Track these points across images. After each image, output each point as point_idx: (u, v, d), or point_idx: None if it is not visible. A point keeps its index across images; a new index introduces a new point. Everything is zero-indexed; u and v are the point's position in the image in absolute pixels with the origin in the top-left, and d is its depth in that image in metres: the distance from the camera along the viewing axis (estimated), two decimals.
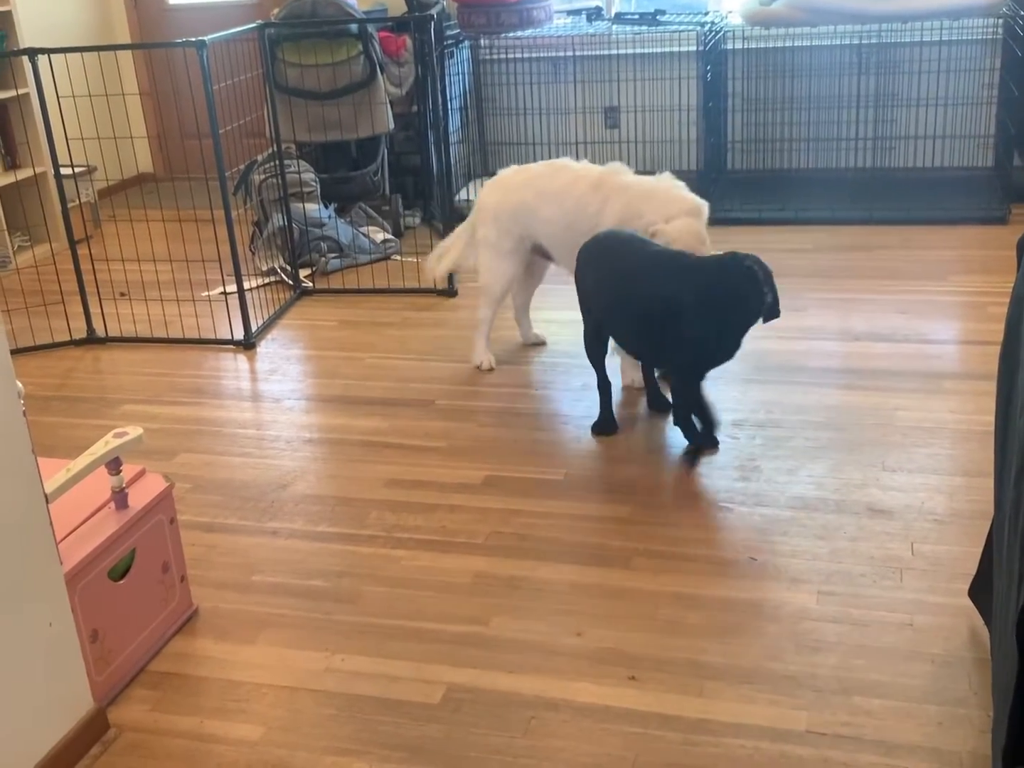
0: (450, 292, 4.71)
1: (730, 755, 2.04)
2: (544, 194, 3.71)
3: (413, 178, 5.98)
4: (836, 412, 3.38)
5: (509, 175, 3.87)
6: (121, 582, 2.36)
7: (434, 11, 5.45)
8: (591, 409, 3.49)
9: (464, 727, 2.16)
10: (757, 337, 3.75)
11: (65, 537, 2.26)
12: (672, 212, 3.41)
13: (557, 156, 5.90)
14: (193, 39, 3.86)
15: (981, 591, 2.31)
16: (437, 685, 2.29)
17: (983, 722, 2.04)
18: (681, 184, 3.54)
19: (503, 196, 3.81)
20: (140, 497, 2.43)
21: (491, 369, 3.91)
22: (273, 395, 3.89)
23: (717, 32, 5.51)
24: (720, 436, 3.25)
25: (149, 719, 2.27)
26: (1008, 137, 5.26)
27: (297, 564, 2.78)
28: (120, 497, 2.38)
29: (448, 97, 5.64)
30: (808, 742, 2.06)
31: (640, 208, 3.46)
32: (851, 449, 3.15)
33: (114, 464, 2.35)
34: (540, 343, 4.13)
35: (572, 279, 3.43)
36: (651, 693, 2.22)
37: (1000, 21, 5.17)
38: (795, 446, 3.20)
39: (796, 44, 5.53)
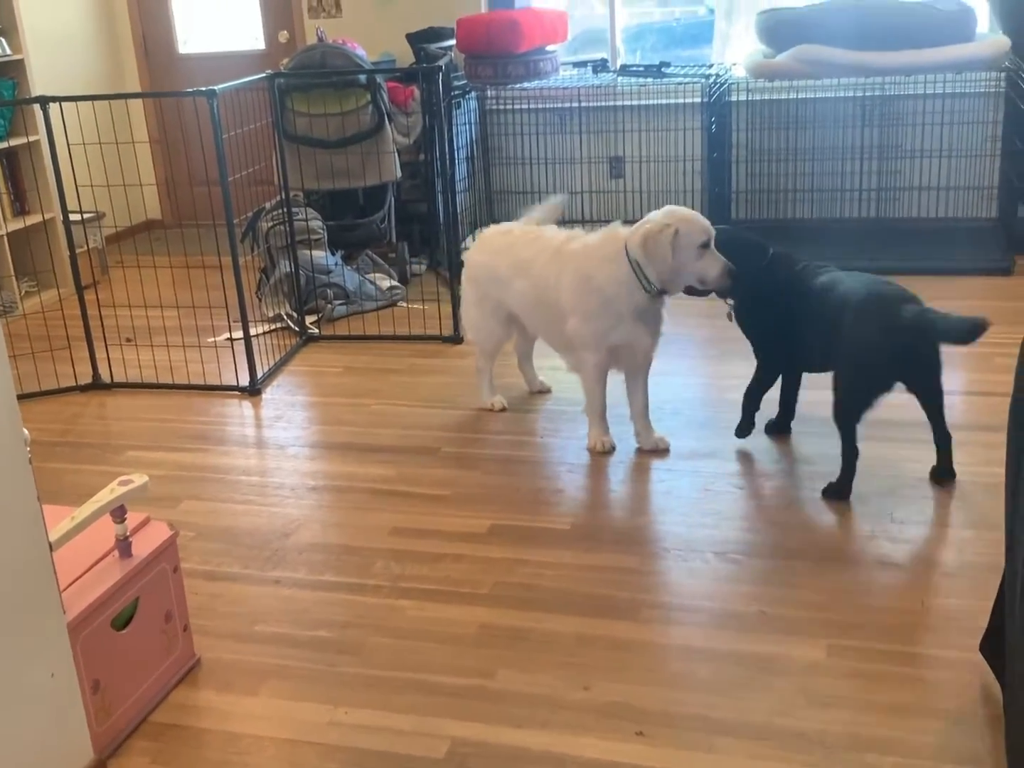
0: (456, 339, 4.71)
1: None
2: (517, 265, 3.62)
3: (419, 226, 6.01)
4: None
5: (494, 235, 3.79)
6: (124, 632, 2.34)
7: (442, 62, 5.51)
8: (595, 457, 3.48)
9: None
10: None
11: (68, 586, 2.24)
12: (608, 251, 3.35)
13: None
14: (204, 88, 3.90)
15: (992, 647, 2.28)
16: (442, 739, 2.25)
17: None
18: (614, 230, 3.45)
19: (485, 258, 3.75)
20: (144, 545, 2.42)
21: (503, 409, 3.91)
22: (278, 442, 3.88)
23: (722, 84, 5.56)
24: (727, 485, 3.24)
25: None
26: (1012, 189, 5.29)
27: (301, 614, 2.76)
28: (124, 545, 2.37)
29: (455, 146, 5.69)
30: None
31: (588, 270, 3.37)
32: (859, 500, 3.13)
33: (119, 512, 2.33)
34: (545, 391, 4.10)
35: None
36: (659, 749, 2.19)
37: (1002, 75, 5.21)
38: (803, 497, 3.18)
39: (800, 96, 5.59)
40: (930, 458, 3.34)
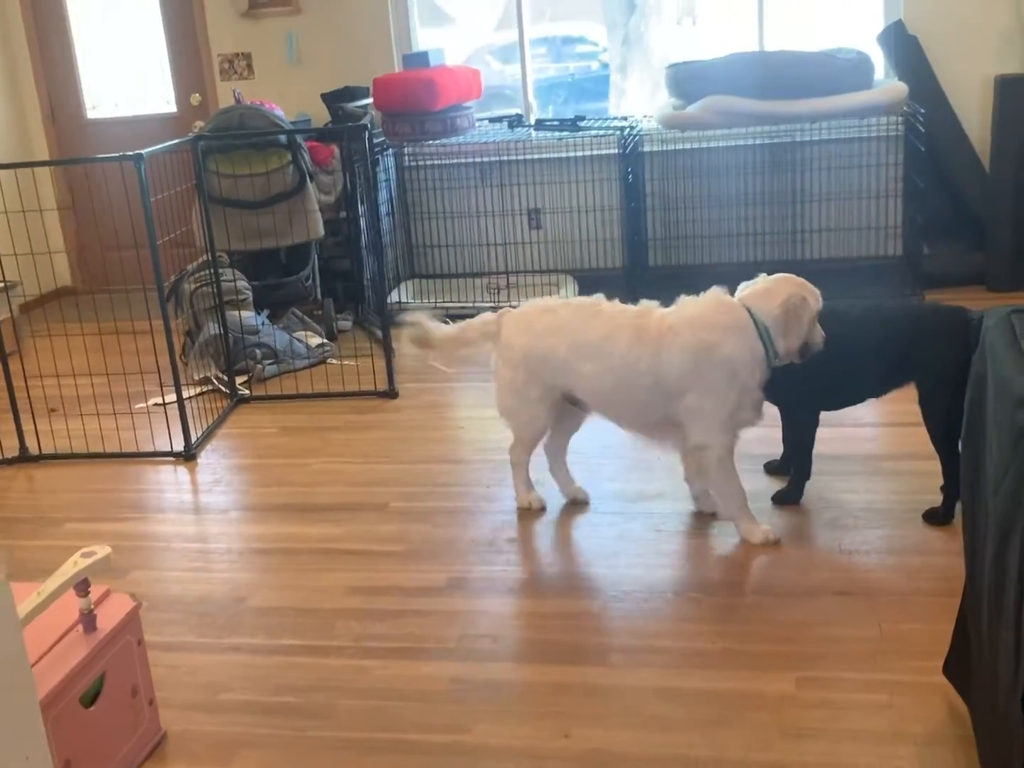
0: (391, 394, 4.71)
1: None
2: (581, 347, 3.23)
3: (343, 283, 6.01)
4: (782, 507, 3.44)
5: (536, 314, 3.37)
6: (92, 708, 2.27)
7: (367, 120, 5.56)
8: (547, 502, 3.50)
9: None
10: None
11: (35, 663, 2.17)
12: (729, 320, 3.12)
13: (481, 257, 6.12)
14: (131, 153, 3.86)
15: (956, 668, 2.36)
16: None
17: None
18: (725, 296, 3.23)
19: (532, 341, 3.32)
20: (108, 619, 2.36)
21: (542, 508, 3.51)
22: (219, 506, 3.82)
23: (635, 136, 5.70)
24: (679, 525, 3.29)
25: None
26: (917, 227, 5.52)
27: (265, 680, 2.71)
28: (88, 619, 2.31)
29: (373, 202, 5.71)
30: None
31: (710, 341, 3.08)
32: (807, 534, 3.21)
33: (82, 585, 2.28)
34: (583, 500, 3.56)
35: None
36: None
37: (901, 119, 5.46)
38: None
39: (712, 145, 5.76)
40: (867, 488, 3.45)
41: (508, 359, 3.38)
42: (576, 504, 3.53)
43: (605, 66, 7.43)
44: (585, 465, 3.67)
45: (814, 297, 3.14)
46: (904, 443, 3.76)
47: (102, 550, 2.30)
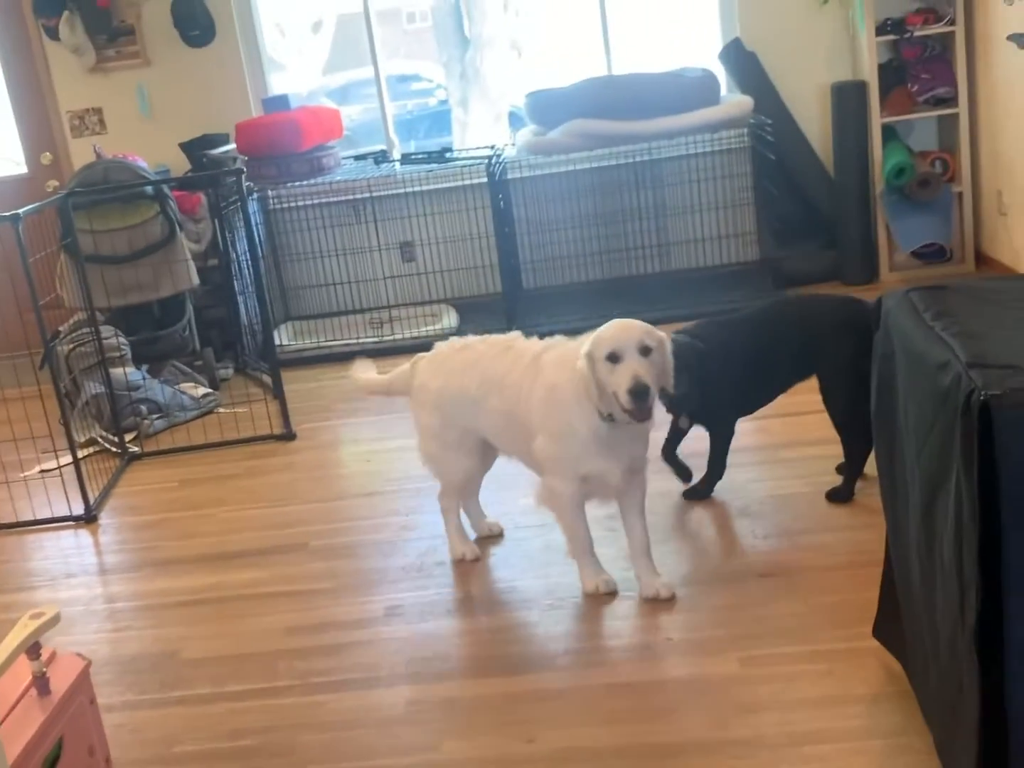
0: (289, 436, 4.69)
1: None
2: (490, 380, 3.11)
3: (219, 331, 5.94)
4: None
5: (449, 353, 3.27)
6: None
7: (239, 164, 5.53)
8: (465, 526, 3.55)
9: None
10: None
11: None
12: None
13: (359, 294, 6.15)
14: (8, 214, 3.77)
15: (887, 629, 2.52)
16: None
17: (926, 745, 2.21)
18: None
19: (446, 380, 3.22)
20: (60, 680, 2.30)
21: (476, 559, 3.35)
22: (132, 564, 3.74)
23: (502, 163, 5.84)
24: (601, 530, 3.38)
25: None
26: (773, 231, 5.82)
27: (217, 727, 2.68)
28: (42, 682, 2.25)
29: (252, 246, 5.67)
30: None
31: (555, 380, 2.93)
32: (722, 523, 3.36)
33: (33, 648, 2.22)
34: (497, 534, 3.50)
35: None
36: None
37: (748, 131, 5.76)
38: (669, 526, 3.38)
39: (576, 168, 5.95)
40: (770, 476, 3.64)
41: (424, 402, 3.29)
42: (491, 538, 3.47)
43: (443, 102, 7.59)
44: (499, 483, 3.73)
45: (600, 339, 2.78)
46: (796, 431, 3.96)
47: (51, 609, 2.25)
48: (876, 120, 5.61)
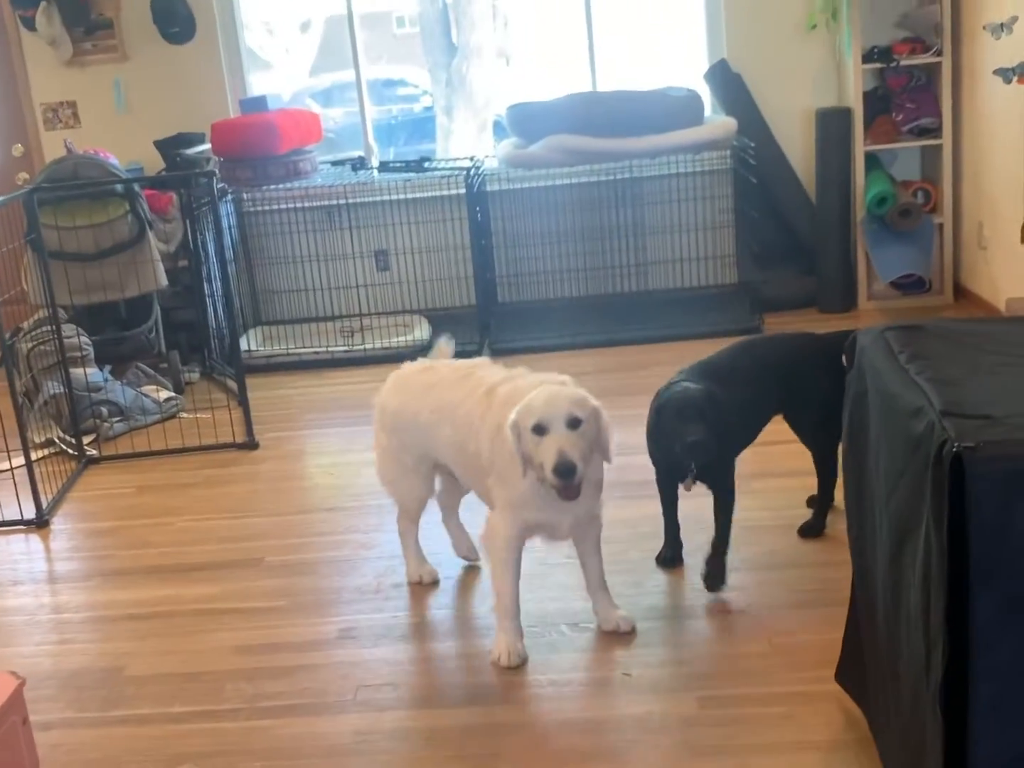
0: (251, 445, 4.59)
1: None
2: (443, 407, 2.96)
3: (187, 333, 5.84)
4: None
5: (412, 375, 3.14)
6: None
7: (213, 165, 5.44)
8: (429, 545, 3.44)
9: None
10: None
11: None
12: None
13: (331, 301, 6.06)
14: None
15: (849, 674, 2.46)
16: None
17: None
18: (560, 380, 2.82)
19: (400, 402, 3.10)
20: None
21: (434, 582, 3.26)
22: (81, 573, 3.63)
23: (480, 175, 5.78)
24: (560, 558, 3.30)
25: None
26: (752, 254, 5.78)
27: (158, 751, 2.59)
28: None
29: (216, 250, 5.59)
30: None
31: (504, 419, 2.70)
32: (687, 554, 3.29)
33: None
34: (473, 559, 3.37)
35: None
36: None
37: (730, 153, 5.71)
38: (633, 559, 3.30)
39: (555, 183, 5.88)
40: (738, 507, 3.56)
41: (382, 422, 3.16)
42: (467, 563, 3.37)
43: (428, 108, 7.53)
44: (464, 505, 3.65)
45: (527, 410, 2.61)
46: (765, 462, 3.89)
47: None
48: (860, 147, 5.58)
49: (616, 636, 2.87)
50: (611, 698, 2.62)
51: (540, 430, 2.58)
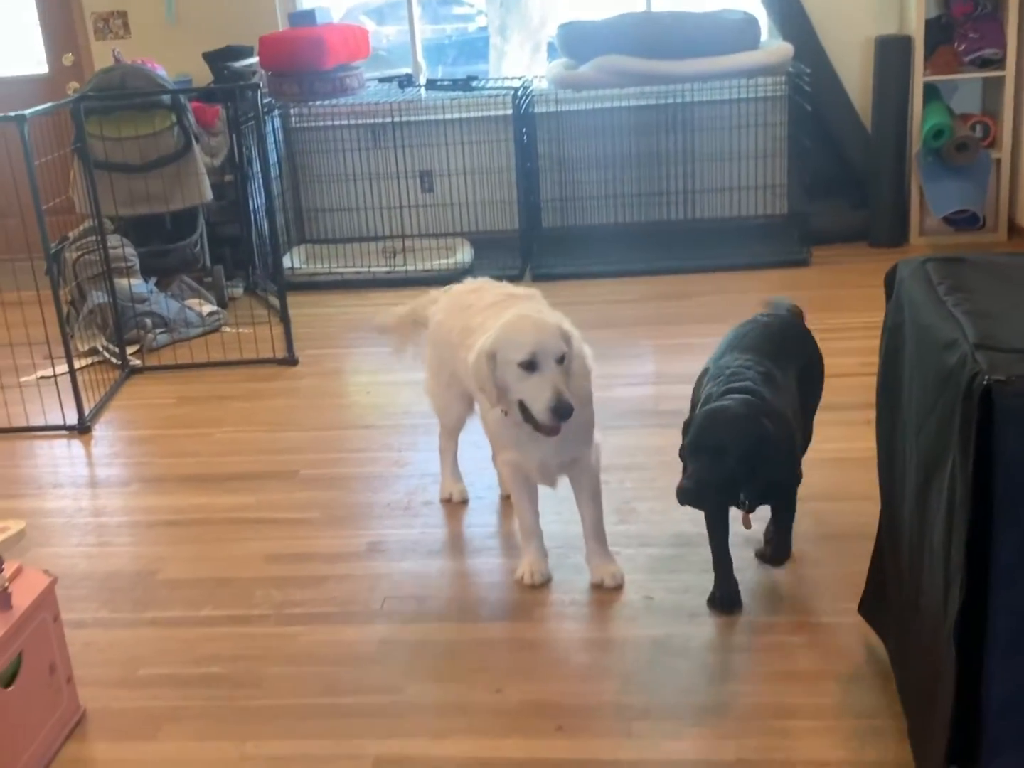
0: (291, 361, 4.62)
1: None
2: (467, 331, 2.83)
3: (231, 248, 5.85)
4: None
5: (461, 292, 3.06)
6: (10, 688, 2.19)
7: (258, 79, 5.41)
8: (461, 466, 3.46)
9: None
10: (604, 386, 3.83)
11: None
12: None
13: (374, 221, 6.04)
14: (12, 114, 3.68)
15: (872, 607, 2.45)
16: (364, 759, 2.23)
17: (898, 730, 2.15)
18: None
19: (440, 319, 3.05)
20: (23, 596, 2.27)
21: (464, 501, 3.28)
22: (120, 479, 3.70)
23: (528, 96, 5.69)
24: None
25: None
26: (803, 185, 5.66)
27: (186, 652, 2.65)
28: (3, 597, 2.22)
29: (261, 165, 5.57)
30: None
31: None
32: None
33: None
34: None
35: None
36: (581, 740, 2.24)
37: (785, 79, 5.57)
38: (663, 486, 3.29)
39: (603, 106, 5.78)
40: None
41: (429, 334, 3.14)
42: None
43: (482, 29, 7.40)
44: None
45: (512, 343, 2.54)
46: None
47: (16, 524, 2.22)
48: (919, 78, 5.41)
49: (639, 561, 2.88)
50: (632, 620, 2.64)
51: (530, 366, 2.51)
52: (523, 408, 2.56)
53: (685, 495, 2.42)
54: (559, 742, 2.23)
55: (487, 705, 2.36)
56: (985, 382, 1.58)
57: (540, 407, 2.50)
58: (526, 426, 2.60)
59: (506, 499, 3.24)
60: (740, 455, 2.37)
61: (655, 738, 2.22)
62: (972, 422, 1.60)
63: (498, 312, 2.79)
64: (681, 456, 2.51)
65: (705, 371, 2.71)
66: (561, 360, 2.54)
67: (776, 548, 2.71)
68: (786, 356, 2.70)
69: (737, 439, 2.37)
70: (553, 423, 2.50)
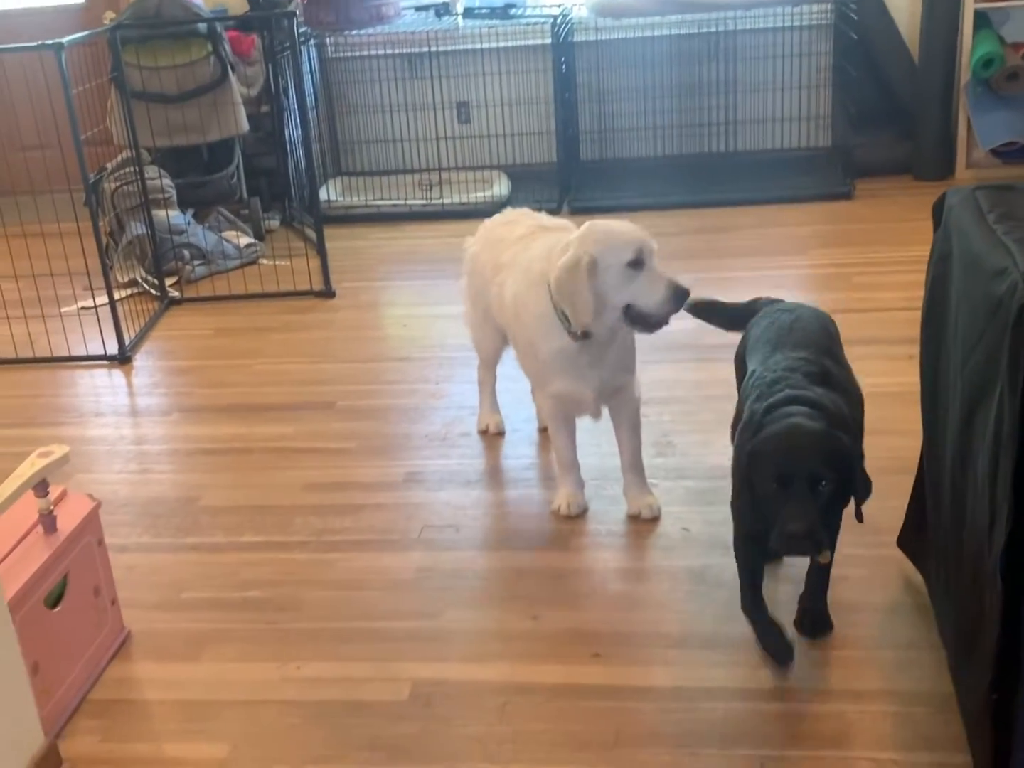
0: (328, 293, 4.63)
1: (707, 718, 2.09)
2: (498, 266, 2.84)
3: (267, 180, 5.84)
4: (733, 386, 3.47)
5: (496, 223, 3.05)
6: (56, 610, 2.23)
7: (292, 7, 5.35)
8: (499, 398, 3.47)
9: (439, 721, 2.15)
10: None
11: None
12: (540, 270, 2.65)
13: (410, 153, 5.99)
14: (50, 42, 3.67)
15: (912, 540, 2.44)
16: (403, 682, 2.26)
17: (936, 661, 2.15)
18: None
19: (475, 251, 3.05)
20: (68, 519, 2.31)
21: (501, 433, 3.28)
22: (161, 408, 3.74)
23: (567, 24, 5.59)
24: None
25: (102, 749, 2.16)
26: (848, 116, 5.54)
27: (227, 577, 2.69)
28: (48, 520, 2.25)
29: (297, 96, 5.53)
30: (777, 697, 2.14)
31: (519, 290, 2.70)
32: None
33: (41, 486, 2.22)
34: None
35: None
36: (618, 667, 2.25)
37: (832, 7, 5.44)
38: (703, 420, 3.29)
39: (643, 35, 5.67)
40: None
41: (465, 267, 3.14)
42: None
43: None
44: None
45: (615, 246, 2.51)
46: (846, 329, 3.81)
47: (60, 449, 2.24)
48: (969, 5, 5.24)
49: (676, 494, 2.87)
50: (668, 551, 2.64)
51: (637, 264, 2.51)
52: (627, 313, 2.55)
53: (796, 544, 1.95)
54: (596, 668, 2.25)
55: (524, 631, 2.38)
56: None
57: (659, 298, 2.50)
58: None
59: (543, 431, 3.24)
60: (838, 480, 1.98)
61: (691, 666, 2.23)
62: (1021, 351, 1.57)
63: (527, 245, 2.79)
64: (742, 487, 2.10)
65: (751, 373, 2.31)
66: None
67: (813, 621, 2.28)
68: (837, 346, 2.43)
69: (831, 460, 1.97)
70: (673, 311, 2.53)
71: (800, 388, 2.09)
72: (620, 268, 2.50)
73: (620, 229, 2.57)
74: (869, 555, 2.53)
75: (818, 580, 2.28)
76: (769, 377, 2.16)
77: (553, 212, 4.79)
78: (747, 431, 2.09)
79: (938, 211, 2.21)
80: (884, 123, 5.70)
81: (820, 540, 1.96)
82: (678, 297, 2.52)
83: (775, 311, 2.47)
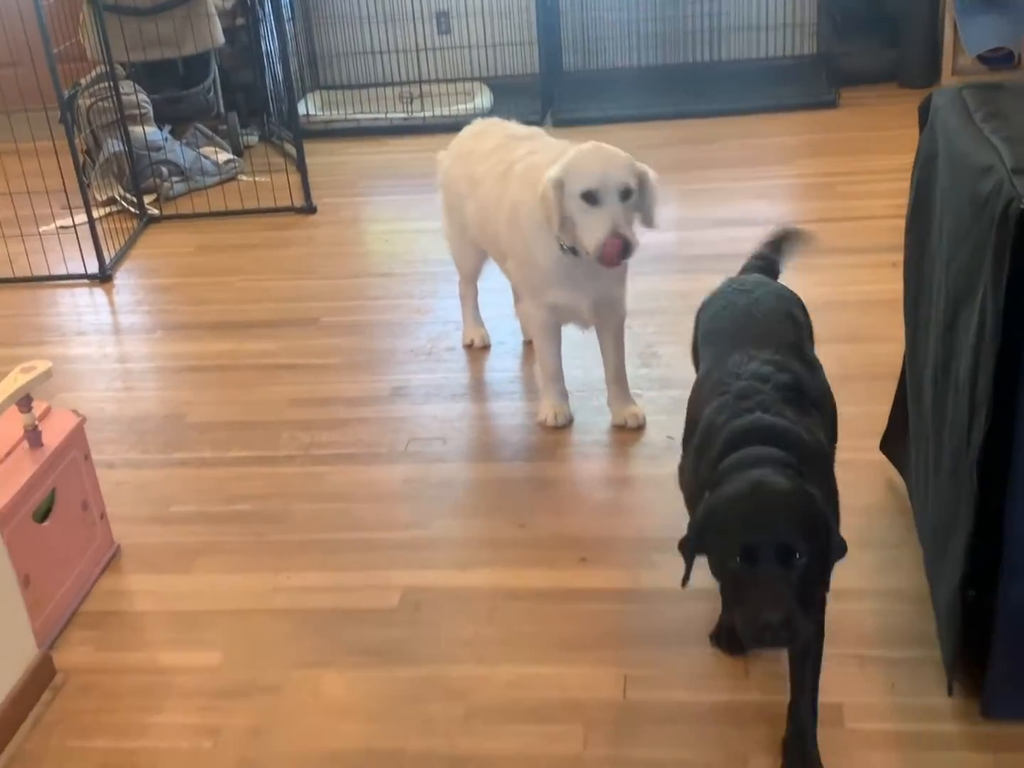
0: (309, 209, 4.58)
1: (692, 617, 2.13)
2: (473, 179, 2.86)
3: (245, 94, 5.73)
4: None
5: (467, 136, 3.04)
6: (45, 523, 2.25)
7: None
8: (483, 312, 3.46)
9: (429, 625, 2.18)
10: None
11: None
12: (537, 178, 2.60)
13: (389, 65, 5.88)
14: None
15: (894, 444, 2.47)
16: (392, 590, 2.29)
17: (916, 561, 2.19)
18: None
19: (448, 164, 3.05)
20: (53, 434, 2.31)
21: (486, 346, 3.28)
22: (144, 326, 3.72)
23: None
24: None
25: (96, 659, 2.19)
26: (834, 23, 5.46)
27: (216, 491, 2.71)
28: (34, 435, 2.25)
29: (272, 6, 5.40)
30: None
31: (519, 198, 2.67)
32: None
33: (24, 401, 2.21)
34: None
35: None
36: (605, 571, 2.29)
37: None
38: (687, 330, 3.25)
39: None
40: (795, 283, 3.51)
41: (439, 180, 3.14)
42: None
43: None
44: None
45: (578, 172, 2.48)
46: (830, 238, 3.78)
47: (42, 364, 2.24)
48: None
49: (662, 402, 2.89)
50: (653, 459, 2.67)
51: (591, 198, 2.46)
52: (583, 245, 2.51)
53: (770, 636, 1.55)
54: (583, 572, 2.29)
55: (511, 538, 2.41)
56: (1022, 207, 1.54)
57: (593, 241, 2.44)
58: (582, 262, 2.56)
59: (528, 344, 3.24)
60: (814, 550, 1.60)
61: (675, 568, 2.23)
62: (1006, 248, 1.57)
63: (501, 158, 2.78)
64: (689, 550, 1.75)
65: (706, 373, 2.04)
66: (627, 196, 2.48)
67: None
68: (806, 337, 2.16)
69: (806, 528, 1.60)
70: (605, 261, 2.46)
71: (770, 409, 1.77)
72: (575, 197, 2.47)
73: (592, 157, 2.51)
74: (852, 459, 2.51)
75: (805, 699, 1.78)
76: (736, 387, 1.84)
77: (536, 124, 4.74)
78: (704, 467, 1.77)
79: (924, 112, 2.19)
80: (869, 30, 5.61)
81: (798, 629, 1.55)
82: (613, 248, 2.42)
83: (731, 290, 2.18)
